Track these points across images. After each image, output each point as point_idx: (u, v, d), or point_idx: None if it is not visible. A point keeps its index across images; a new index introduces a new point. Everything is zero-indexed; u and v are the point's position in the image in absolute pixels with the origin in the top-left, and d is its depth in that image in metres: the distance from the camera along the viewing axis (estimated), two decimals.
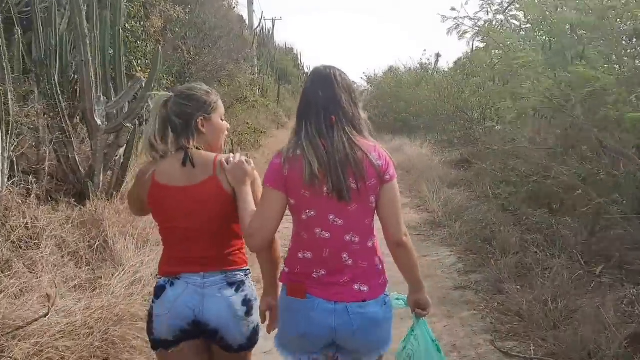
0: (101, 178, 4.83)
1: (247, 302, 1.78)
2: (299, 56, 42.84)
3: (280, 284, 1.75)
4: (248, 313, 1.78)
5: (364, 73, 35.24)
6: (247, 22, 25.61)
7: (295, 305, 1.66)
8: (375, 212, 1.66)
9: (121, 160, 4.99)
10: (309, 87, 1.68)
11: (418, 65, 20.43)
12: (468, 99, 10.45)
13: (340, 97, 1.65)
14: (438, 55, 29.21)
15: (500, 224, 5.65)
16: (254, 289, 1.83)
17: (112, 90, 5.13)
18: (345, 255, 1.63)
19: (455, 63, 21.90)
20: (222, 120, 1.85)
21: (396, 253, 1.67)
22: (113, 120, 4.90)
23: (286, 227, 1.71)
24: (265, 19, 37.77)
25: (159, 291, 1.78)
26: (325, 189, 1.59)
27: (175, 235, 1.79)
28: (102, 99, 4.83)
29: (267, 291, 1.82)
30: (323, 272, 1.64)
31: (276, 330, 1.80)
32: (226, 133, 1.89)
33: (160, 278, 1.81)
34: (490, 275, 4.23)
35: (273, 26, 32.81)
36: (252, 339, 1.80)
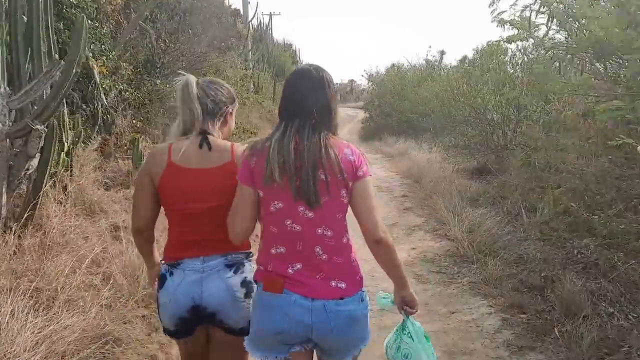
0: (3, 201, 3.43)
1: (246, 284, 1.79)
2: (297, 52, 41.63)
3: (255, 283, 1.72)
4: (248, 295, 1.78)
5: (364, 70, 33.88)
6: (242, 14, 24.33)
7: (271, 301, 1.62)
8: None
9: (33, 177, 3.59)
10: (293, 86, 1.68)
11: (423, 62, 19.05)
12: (487, 99, 9.06)
13: (324, 97, 1.66)
14: (442, 53, 27.88)
15: (549, 261, 4.29)
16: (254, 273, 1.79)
17: (27, 77, 3.73)
18: (318, 249, 1.61)
19: (461, 61, 20.79)
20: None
21: (375, 250, 1.64)
22: (20, 121, 3.49)
23: None
24: (263, 14, 36.54)
25: (162, 281, 1.81)
26: (293, 184, 1.57)
27: (183, 218, 1.79)
28: (2, 88, 3.41)
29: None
30: (299, 266, 1.62)
31: None
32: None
33: (163, 264, 1.84)
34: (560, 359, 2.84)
35: (270, 20, 31.58)
36: None
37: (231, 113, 1.89)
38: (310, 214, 1.59)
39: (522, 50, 9.18)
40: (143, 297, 3.32)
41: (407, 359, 1.76)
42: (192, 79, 1.79)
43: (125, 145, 5.82)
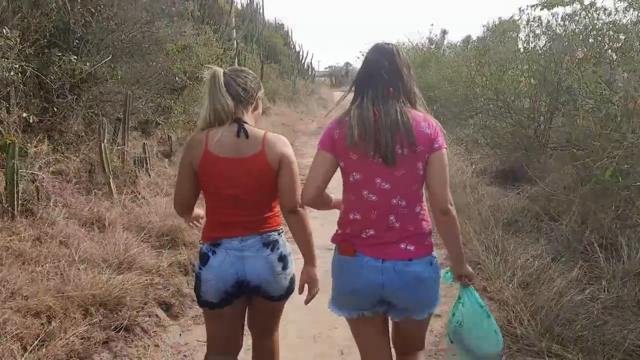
0: None
1: (283, 258, 1.97)
2: (290, 33, 39.39)
3: (333, 245, 1.84)
4: (284, 267, 1.97)
5: (360, 52, 31.54)
6: None
7: (346, 264, 1.75)
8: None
9: None
10: (373, 59, 1.75)
11: (427, 41, 16.99)
12: (514, 80, 7.11)
13: (402, 71, 1.73)
14: (444, 32, 25.66)
15: None
16: (287, 245, 2.00)
17: None
18: (392, 218, 1.70)
19: (465, 41, 18.75)
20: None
21: (440, 221, 1.71)
22: None
23: None
24: None
25: (204, 259, 1.95)
26: (371, 153, 1.66)
27: (220, 202, 1.92)
28: None
29: (307, 261, 1.99)
30: (372, 232, 1.72)
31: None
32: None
33: (202, 245, 1.99)
34: None
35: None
36: (290, 289, 2.01)
37: (259, 98, 2.01)
38: (386, 186, 1.68)
39: (562, 19, 7.18)
40: None
41: (460, 325, 1.88)
42: (220, 70, 1.91)
43: None
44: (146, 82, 6.71)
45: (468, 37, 18.45)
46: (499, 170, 7.10)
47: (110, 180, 4.82)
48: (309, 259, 1.99)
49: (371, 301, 1.75)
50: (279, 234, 1.97)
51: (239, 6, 23.91)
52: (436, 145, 1.66)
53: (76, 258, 3.47)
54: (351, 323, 1.88)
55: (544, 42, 7.45)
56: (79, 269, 3.33)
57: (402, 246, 1.69)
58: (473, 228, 4.62)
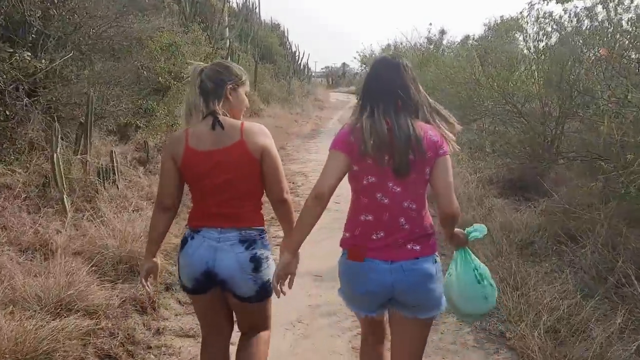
0: None
1: (256, 259, 1.93)
2: (286, 33, 38.78)
3: (341, 249, 1.90)
4: (256, 269, 1.94)
5: (357, 52, 30.79)
6: None
7: (355, 269, 1.82)
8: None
9: None
10: (384, 74, 1.84)
11: (425, 40, 16.36)
12: (523, 81, 6.50)
13: (409, 85, 1.83)
14: (442, 32, 25.01)
15: None
16: (266, 248, 1.99)
17: None
18: (402, 220, 1.79)
19: (463, 41, 18.14)
20: (245, 95, 2.05)
21: (446, 222, 1.82)
22: None
23: None
24: None
25: (183, 243, 2.00)
26: (386, 160, 1.76)
27: (202, 192, 1.96)
28: None
29: (287, 254, 1.91)
30: (382, 234, 1.79)
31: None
32: (245, 109, 2.06)
33: (186, 229, 2.03)
34: None
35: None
36: (261, 293, 1.97)
37: (233, 88, 1.98)
38: (398, 189, 1.78)
39: (575, 15, 6.55)
40: None
41: (451, 286, 1.94)
42: (197, 66, 1.99)
43: None
44: (118, 82, 6.06)
45: (467, 37, 17.89)
46: (506, 179, 6.46)
47: (65, 195, 4.17)
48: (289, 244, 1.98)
49: (381, 302, 1.86)
50: (260, 235, 1.97)
51: (234, 5, 23.32)
52: (441, 152, 1.77)
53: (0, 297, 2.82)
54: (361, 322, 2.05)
55: (555, 39, 6.86)
56: (2, 312, 2.69)
57: (409, 247, 1.78)
58: (483, 252, 3.99)
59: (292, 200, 2.00)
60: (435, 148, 1.75)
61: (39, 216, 3.93)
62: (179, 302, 3.46)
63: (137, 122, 7.10)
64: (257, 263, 1.92)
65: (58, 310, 2.88)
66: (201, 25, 13.07)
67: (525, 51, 7.10)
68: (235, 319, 2.14)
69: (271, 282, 1.91)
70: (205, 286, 1.97)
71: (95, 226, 3.94)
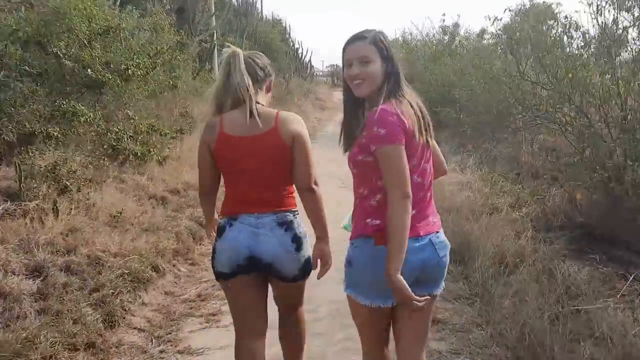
0: None
1: (296, 239, 2.02)
2: (288, 29, 36.89)
3: (352, 241, 1.86)
4: (298, 249, 2.03)
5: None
6: None
7: (384, 253, 1.71)
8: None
9: None
10: (399, 57, 1.88)
11: (440, 30, 14.35)
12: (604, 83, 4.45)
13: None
14: (456, 25, 22.81)
15: None
16: (302, 227, 2.07)
17: None
18: (428, 195, 1.84)
19: (478, 35, 16.23)
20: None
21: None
22: None
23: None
24: None
25: (221, 231, 2.06)
26: (422, 142, 1.78)
27: (236, 178, 2.02)
28: None
29: (319, 238, 2.06)
30: (414, 212, 1.74)
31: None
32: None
33: (221, 218, 2.08)
34: None
35: None
36: (304, 270, 2.07)
37: (272, 81, 2.12)
38: (427, 168, 1.82)
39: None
40: None
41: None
42: (240, 50, 2.00)
43: None
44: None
45: (483, 31, 15.98)
46: (574, 222, 4.35)
47: None
48: (322, 235, 2.06)
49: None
50: (294, 216, 2.04)
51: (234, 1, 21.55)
52: None
53: None
54: (369, 312, 1.91)
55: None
56: None
57: (431, 219, 1.82)
58: None
59: (319, 192, 2.02)
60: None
61: None
62: None
63: (50, 130, 5.14)
64: (298, 242, 2.01)
65: None
66: (174, 10, 11.06)
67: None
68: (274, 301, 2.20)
69: (312, 260, 2.03)
70: (245, 271, 2.01)
71: None
